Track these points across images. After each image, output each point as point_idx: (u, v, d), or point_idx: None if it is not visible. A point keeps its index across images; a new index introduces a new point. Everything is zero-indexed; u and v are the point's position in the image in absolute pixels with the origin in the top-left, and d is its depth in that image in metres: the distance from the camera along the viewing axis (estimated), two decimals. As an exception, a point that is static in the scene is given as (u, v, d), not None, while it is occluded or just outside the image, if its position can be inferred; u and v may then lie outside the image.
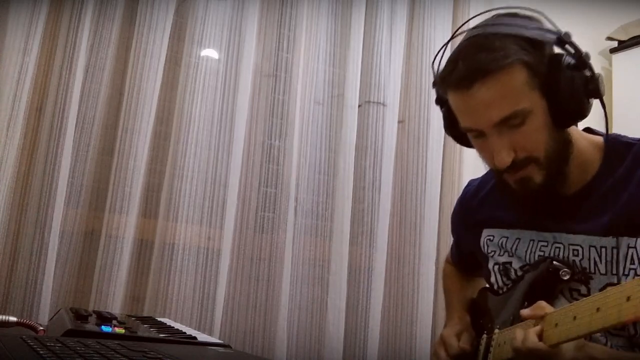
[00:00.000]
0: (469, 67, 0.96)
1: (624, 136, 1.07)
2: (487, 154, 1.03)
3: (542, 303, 0.94)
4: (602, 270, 0.99)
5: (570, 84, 0.96)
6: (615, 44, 2.57)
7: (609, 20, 2.56)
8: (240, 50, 1.89)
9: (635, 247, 0.96)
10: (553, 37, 0.98)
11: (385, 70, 2.10)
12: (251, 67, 1.89)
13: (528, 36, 0.97)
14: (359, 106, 2.06)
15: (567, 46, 0.98)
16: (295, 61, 1.96)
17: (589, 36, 2.55)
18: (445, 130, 1.13)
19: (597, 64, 2.56)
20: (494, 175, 1.08)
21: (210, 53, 1.87)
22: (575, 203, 1.04)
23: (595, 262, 1.00)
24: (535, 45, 0.97)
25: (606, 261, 0.99)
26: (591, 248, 1.00)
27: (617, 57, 2.54)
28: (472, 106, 0.98)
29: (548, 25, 1.00)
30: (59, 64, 1.66)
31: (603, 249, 0.99)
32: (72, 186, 1.68)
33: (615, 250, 0.98)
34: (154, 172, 1.80)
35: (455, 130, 1.07)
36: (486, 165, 1.08)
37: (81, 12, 1.69)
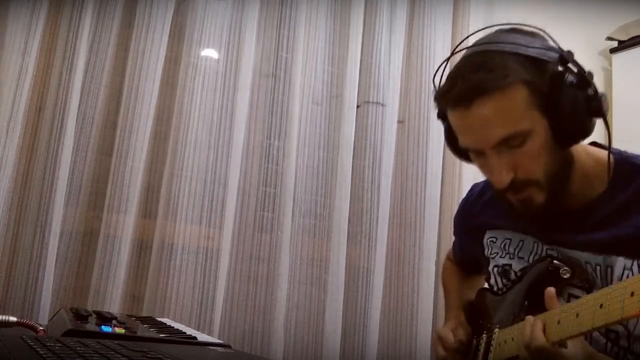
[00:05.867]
0: (468, 86, 0.94)
1: (632, 155, 1.03)
2: (487, 172, 1.02)
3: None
4: (599, 287, 0.97)
5: (571, 103, 0.94)
6: (615, 44, 2.57)
7: (609, 20, 2.56)
8: (239, 50, 1.89)
9: (631, 270, 0.95)
10: (555, 55, 0.96)
11: (384, 70, 2.09)
12: (251, 67, 1.89)
13: (529, 54, 0.95)
14: (358, 106, 2.06)
15: (569, 65, 0.96)
16: (295, 61, 1.96)
17: (589, 36, 2.55)
18: (448, 146, 1.12)
19: (597, 64, 2.56)
20: (495, 193, 1.06)
21: (209, 53, 1.87)
22: (576, 219, 1.02)
23: (593, 278, 0.99)
24: (537, 64, 0.95)
25: (601, 278, 0.98)
26: (587, 264, 1.00)
27: (617, 57, 2.54)
28: (471, 125, 0.97)
29: (550, 43, 0.98)
30: (59, 64, 1.67)
31: (598, 267, 0.98)
32: (71, 186, 1.68)
33: (609, 270, 0.97)
34: (154, 172, 1.80)
35: (457, 146, 1.06)
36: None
37: (81, 12, 1.69)
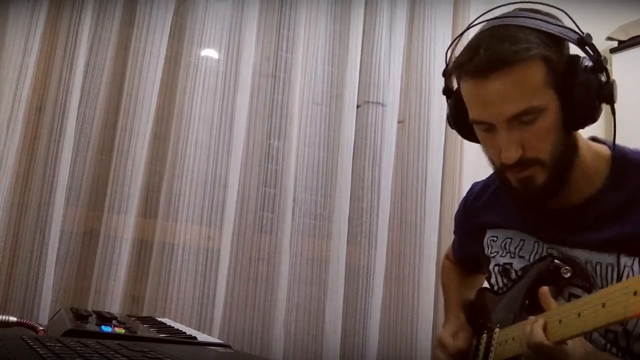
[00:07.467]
0: (491, 56, 0.93)
1: (632, 150, 1.04)
2: (493, 149, 1.01)
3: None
4: (599, 286, 0.97)
5: (584, 87, 0.94)
6: (615, 44, 2.56)
7: (609, 20, 2.55)
8: (239, 51, 1.89)
9: (632, 267, 0.95)
10: (574, 36, 0.97)
11: (384, 70, 2.09)
12: (251, 67, 1.89)
13: (550, 32, 0.95)
14: (358, 106, 2.06)
15: (586, 47, 0.97)
16: (295, 61, 1.96)
17: (589, 36, 2.54)
18: (451, 124, 1.11)
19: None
20: (496, 172, 1.05)
21: (210, 53, 1.87)
22: (575, 216, 1.02)
23: (592, 277, 0.99)
24: (557, 43, 0.96)
25: (601, 278, 0.97)
26: (587, 263, 0.99)
27: (617, 57, 2.54)
28: (487, 97, 0.95)
29: (570, 24, 0.99)
30: (59, 64, 1.66)
31: (598, 265, 0.98)
32: (71, 186, 1.68)
33: (610, 267, 0.96)
34: (154, 172, 1.80)
35: (462, 123, 1.05)
36: (488, 163, 1.06)
37: (81, 12, 1.69)
